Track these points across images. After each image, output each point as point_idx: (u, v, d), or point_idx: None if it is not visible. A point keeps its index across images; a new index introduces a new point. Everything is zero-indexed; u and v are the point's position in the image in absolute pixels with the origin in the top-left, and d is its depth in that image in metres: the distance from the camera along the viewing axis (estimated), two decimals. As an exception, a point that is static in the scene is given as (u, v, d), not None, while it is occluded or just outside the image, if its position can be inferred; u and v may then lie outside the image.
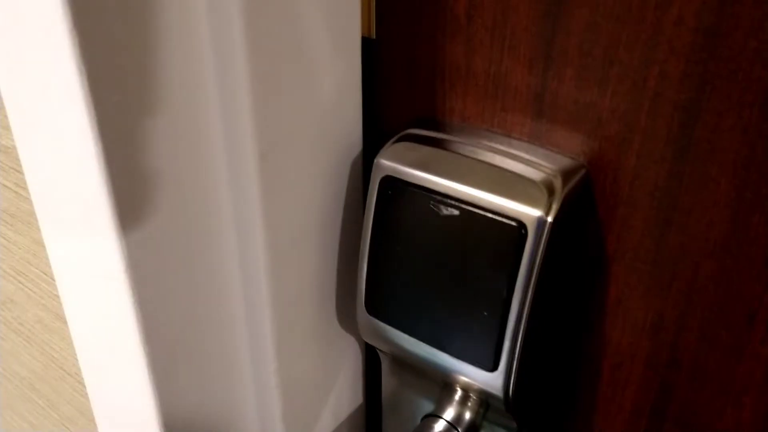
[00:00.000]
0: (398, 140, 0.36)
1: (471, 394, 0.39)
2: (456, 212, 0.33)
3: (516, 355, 0.34)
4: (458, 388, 0.39)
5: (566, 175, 0.33)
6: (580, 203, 0.34)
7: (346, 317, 0.44)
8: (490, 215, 0.32)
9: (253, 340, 0.39)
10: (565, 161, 0.34)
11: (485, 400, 0.38)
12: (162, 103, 0.29)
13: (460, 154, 0.35)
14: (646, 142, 0.31)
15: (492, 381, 0.35)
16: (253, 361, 0.40)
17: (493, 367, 0.35)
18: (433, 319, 0.36)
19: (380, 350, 0.42)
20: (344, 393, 0.47)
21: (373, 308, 0.38)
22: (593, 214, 0.34)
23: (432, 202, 0.34)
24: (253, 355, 0.40)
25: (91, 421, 0.48)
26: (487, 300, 0.33)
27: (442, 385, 0.41)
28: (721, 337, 0.33)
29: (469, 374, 0.36)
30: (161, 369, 0.35)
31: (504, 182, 0.33)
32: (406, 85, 0.38)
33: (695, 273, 0.32)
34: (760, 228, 0.30)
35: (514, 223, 0.32)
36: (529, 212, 0.32)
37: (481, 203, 0.33)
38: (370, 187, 0.37)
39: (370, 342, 0.41)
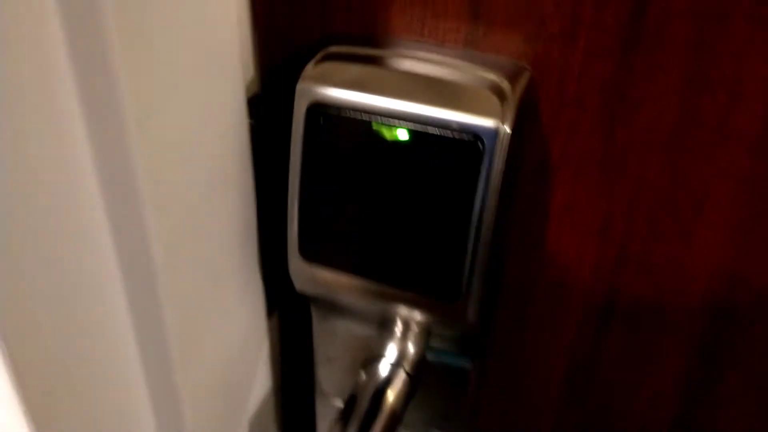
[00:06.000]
0: (319, 61, 0.33)
1: (415, 328, 0.38)
2: (402, 133, 0.31)
3: (479, 279, 0.33)
4: (399, 325, 0.38)
5: (513, 79, 0.31)
6: (528, 109, 0.32)
7: (246, 303, 0.40)
8: (441, 132, 0.30)
9: (146, 351, 0.34)
10: (508, 65, 0.32)
11: (428, 330, 0.37)
12: None
13: (394, 69, 0.32)
14: (593, 36, 0.30)
15: (456, 311, 0.34)
16: (148, 373, 0.35)
17: (455, 296, 0.33)
18: (383, 253, 0.34)
19: (315, 301, 0.39)
20: (253, 383, 0.44)
21: (310, 253, 0.35)
22: (538, 119, 0.33)
23: (372, 125, 0.31)
24: (147, 367, 0.34)
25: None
26: (443, 224, 0.31)
27: (381, 326, 0.39)
28: (669, 229, 0.34)
29: (430, 306, 0.34)
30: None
31: (450, 95, 0.31)
32: (316, -2, 0.34)
33: (644, 168, 0.33)
34: (709, 110, 0.30)
35: (469, 138, 0.30)
36: (484, 124, 0.30)
37: (430, 120, 0.30)
38: (294, 120, 0.33)
39: (307, 292, 0.37)
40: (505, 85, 0.31)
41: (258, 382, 0.44)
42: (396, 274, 0.34)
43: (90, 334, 0.30)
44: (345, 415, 0.36)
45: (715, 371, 0.37)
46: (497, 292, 0.39)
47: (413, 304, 0.35)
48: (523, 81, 0.31)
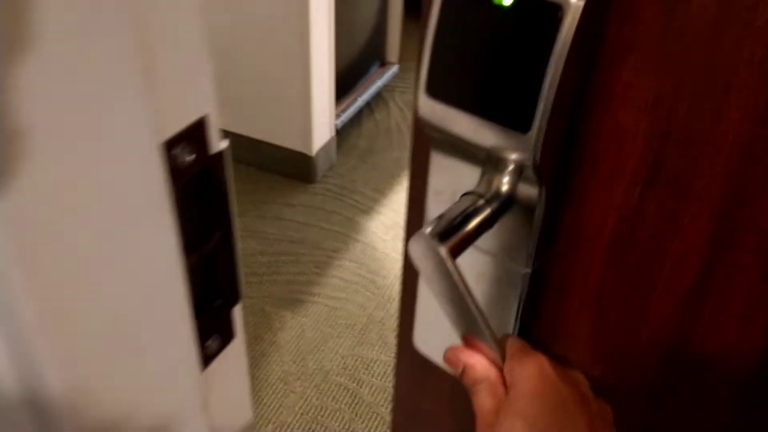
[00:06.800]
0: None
1: (505, 166, 0.50)
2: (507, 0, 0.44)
3: (545, 118, 0.45)
4: (496, 162, 0.50)
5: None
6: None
7: (173, 363, 0.38)
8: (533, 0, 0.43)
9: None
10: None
11: (518, 168, 0.50)
12: None
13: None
14: (660, -55, 0.42)
15: (525, 141, 0.47)
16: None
17: (526, 128, 0.46)
18: (482, 93, 0.48)
19: (433, 135, 0.53)
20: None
21: (432, 90, 0.50)
22: (612, 7, 0.45)
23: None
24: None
25: None
26: (528, 72, 0.45)
27: (483, 163, 0.52)
28: (704, 107, 0.45)
29: (508, 138, 0.47)
30: None
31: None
32: None
33: (689, 52, 0.44)
34: (737, 9, 0.41)
35: (552, 6, 0.43)
36: (566, -1, 0.43)
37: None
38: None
39: (427, 121, 0.51)
40: (590, -26, 0.43)
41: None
42: (490, 109, 0.47)
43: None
44: (430, 226, 0.49)
45: (731, 234, 0.47)
46: (568, 151, 0.51)
47: (498, 136, 0.48)
48: (604, -25, 0.44)
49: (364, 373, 1.90)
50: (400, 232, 2.34)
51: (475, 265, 0.55)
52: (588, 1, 0.42)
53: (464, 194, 0.52)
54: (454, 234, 0.48)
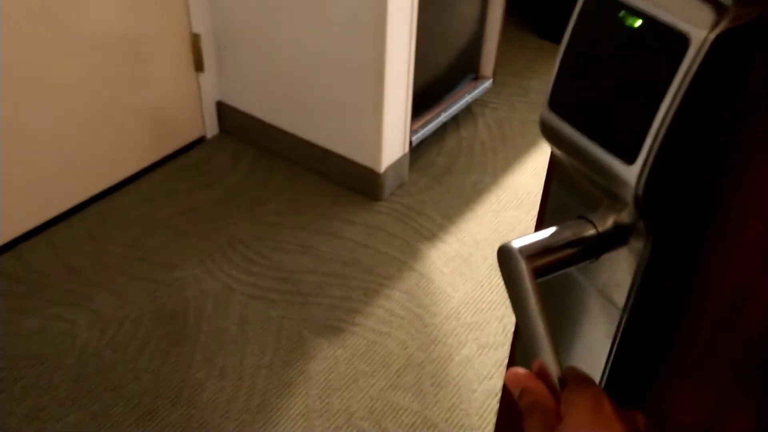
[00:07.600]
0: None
1: (618, 202, 0.48)
2: (637, 22, 0.43)
3: (653, 153, 0.43)
4: (610, 194, 0.48)
5: (738, 9, 0.38)
6: (749, 42, 0.41)
7: None
8: (664, 26, 0.42)
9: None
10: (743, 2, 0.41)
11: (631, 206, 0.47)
12: None
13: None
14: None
15: (628, 172, 0.45)
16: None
17: (631, 159, 0.45)
18: (595, 115, 0.47)
19: (553, 150, 0.53)
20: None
21: (553, 105, 0.50)
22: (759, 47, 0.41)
23: (619, 12, 0.44)
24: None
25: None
26: (642, 101, 0.43)
27: (604, 192, 0.50)
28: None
29: (612, 166, 0.46)
30: None
31: (680, 3, 0.42)
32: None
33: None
34: None
35: (680, 35, 0.41)
36: (694, 29, 0.41)
37: (659, 16, 0.42)
38: (576, 7, 0.47)
39: (547, 135, 0.51)
40: (729, 10, 0.37)
41: None
42: (599, 132, 0.47)
43: None
44: (525, 240, 0.48)
45: None
46: (691, 199, 0.47)
47: (604, 162, 0.46)
48: (748, 14, 0.38)
49: (390, 421, 1.80)
50: (461, 265, 2.26)
51: (574, 293, 0.56)
52: (723, 36, 0.40)
53: (578, 217, 0.51)
54: (544, 254, 0.49)
